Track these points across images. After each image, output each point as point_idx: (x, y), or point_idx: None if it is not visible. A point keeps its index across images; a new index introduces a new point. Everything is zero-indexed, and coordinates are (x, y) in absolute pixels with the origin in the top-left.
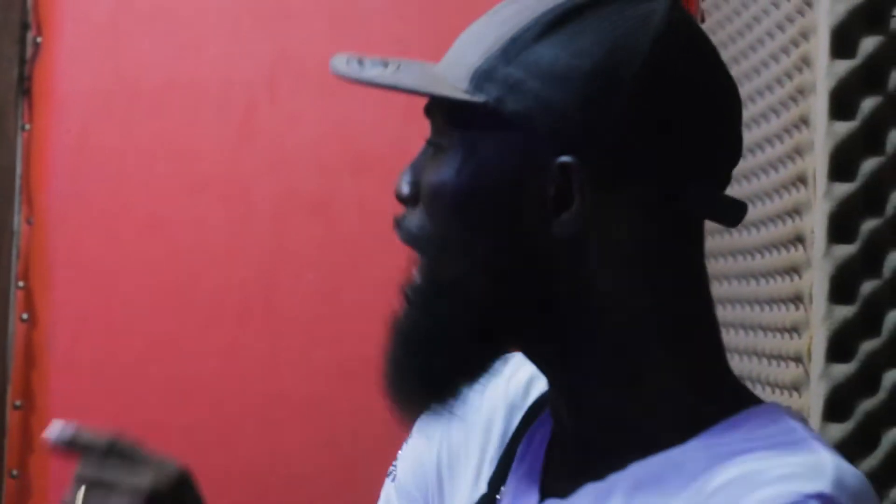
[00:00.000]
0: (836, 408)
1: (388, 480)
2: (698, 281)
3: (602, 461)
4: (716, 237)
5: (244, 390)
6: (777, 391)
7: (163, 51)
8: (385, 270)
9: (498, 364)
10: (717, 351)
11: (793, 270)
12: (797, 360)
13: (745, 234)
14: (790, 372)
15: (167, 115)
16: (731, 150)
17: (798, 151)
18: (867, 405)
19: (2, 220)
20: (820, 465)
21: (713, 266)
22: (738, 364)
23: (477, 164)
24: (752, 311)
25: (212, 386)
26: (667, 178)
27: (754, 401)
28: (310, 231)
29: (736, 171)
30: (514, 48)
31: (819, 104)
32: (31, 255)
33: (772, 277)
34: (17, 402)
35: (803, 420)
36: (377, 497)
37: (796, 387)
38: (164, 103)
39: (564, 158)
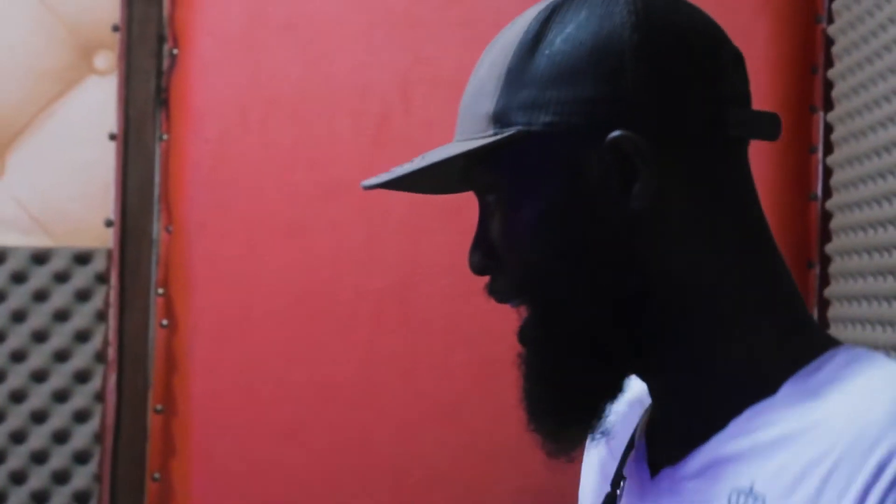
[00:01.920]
0: None
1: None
2: (760, 214)
3: (705, 425)
4: (847, 235)
5: (382, 393)
6: None
7: (297, 60)
8: None
9: (626, 376)
10: (791, 299)
11: None
12: None
13: (879, 232)
14: None
15: (302, 123)
16: (740, 67)
17: None
18: None
19: (142, 229)
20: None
21: (845, 263)
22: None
23: (534, 193)
24: (881, 307)
25: (350, 389)
26: (708, 113)
27: (831, 343)
28: (444, 235)
29: (865, 169)
30: (515, 77)
31: None
32: (170, 262)
33: None
34: (159, 407)
35: (879, 354)
36: (510, 494)
37: None
38: (299, 112)
39: (613, 135)
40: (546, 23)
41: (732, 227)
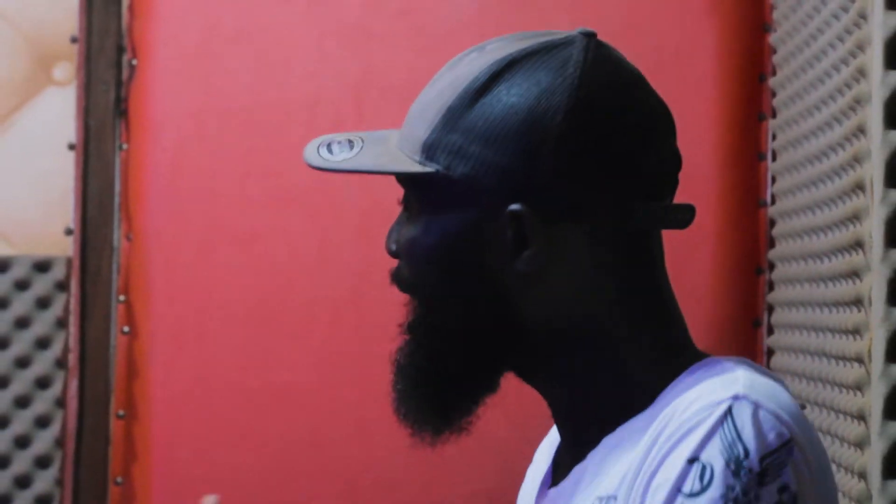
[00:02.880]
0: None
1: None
2: (655, 282)
3: (586, 446)
4: (788, 242)
5: (336, 397)
6: (841, 391)
7: (251, 70)
8: None
9: (496, 381)
10: (675, 335)
11: (853, 274)
12: (859, 360)
13: (814, 239)
14: (853, 372)
15: (257, 132)
16: (670, 164)
17: (856, 159)
18: None
19: (102, 237)
20: (734, 377)
21: (786, 269)
22: (804, 363)
23: (439, 223)
24: (819, 313)
25: (305, 393)
26: (609, 207)
27: (701, 359)
28: None
29: (803, 176)
30: (452, 118)
31: (874, 114)
32: (130, 270)
33: (835, 281)
34: (121, 412)
35: (744, 362)
36: (461, 499)
37: (859, 386)
38: (254, 121)
39: (513, 207)
40: (496, 77)
41: (615, 295)
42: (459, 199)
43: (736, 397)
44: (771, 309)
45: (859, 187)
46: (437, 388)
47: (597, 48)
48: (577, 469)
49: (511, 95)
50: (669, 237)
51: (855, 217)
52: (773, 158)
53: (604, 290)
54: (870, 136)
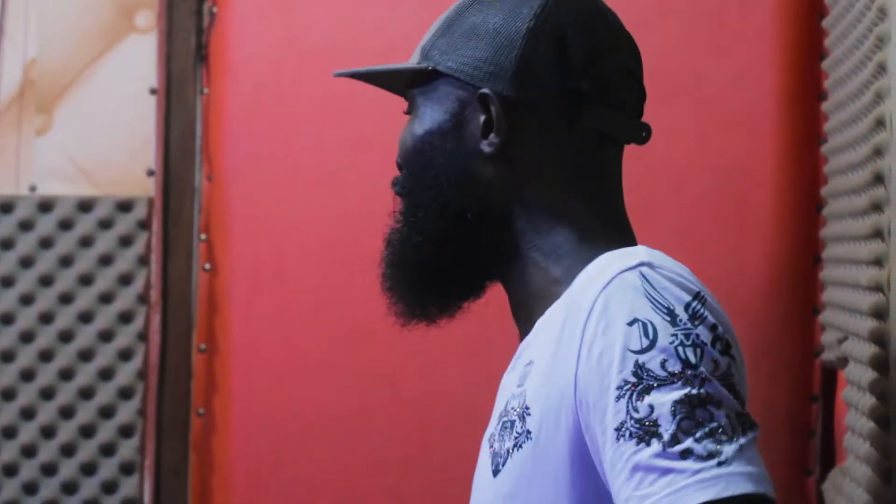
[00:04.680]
0: None
1: None
2: (603, 184)
3: (528, 326)
4: (837, 178)
5: (408, 333)
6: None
7: (327, 16)
8: None
9: (475, 282)
10: (615, 227)
11: (876, 208)
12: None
13: (849, 176)
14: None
15: (333, 77)
16: (629, 85)
17: (878, 96)
18: None
19: (185, 178)
20: (637, 252)
21: (835, 205)
22: (851, 296)
23: (430, 113)
24: (852, 246)
25: (380, 328)
26: (566, 102)
27: (624, 244)
28: None
29: (844, 115)
30: (446, 26)
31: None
32: (211, 209)
33: (860, 217)
34: (202, 346)
35: (660, 255)
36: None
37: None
38: (330, 66)
39: (483, 90)
40: None
41: (567, 182)
42: (446, 91)
43: (641, 264)
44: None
45: (880, 123)
46: (421, 267)
47: None
48: (519, 347)
49: (493, 5)
50: (731, 179)
51: (876, 152)
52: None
53: (556, 177)
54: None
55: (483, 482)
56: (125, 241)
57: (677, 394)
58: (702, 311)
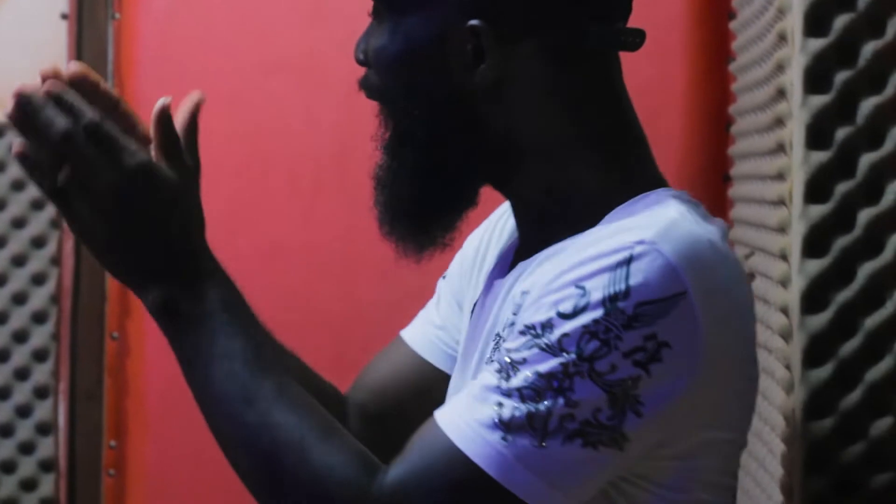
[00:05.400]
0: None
1: (440, 279)
2: (613, 103)
3: (535, 249)
4: (744, 96)
5: (322, 253)
6: (768, 232)
7: None
8: None
9: (471, 194)
10: (634, 158)
11: (779, 122)
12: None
13: (754, 93)
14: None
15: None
16: None
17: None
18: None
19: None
20: (656, 220)
21: (742, 123)
22: (755, 212)
23: (406, 32)
24: (756, 162)
25: (292, 249)
26: (562, 27)
27: (656, 185)
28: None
29: (751, 33)
30: None
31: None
32: None
33: (763, 133)
34: None
35: (688, 202)
36: None
37: (782, 227)
38: None
39: (472, 22)
40: None
41: (569, 108)
42: (424, 10)
43: (641, 242)
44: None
45: (783, 38)
46: (417, 200)
47: None
48: (520, 265)
49: None
50: (641, 101)
51: (779, 68)
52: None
53: (560, 106)
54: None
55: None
56: None
57: (548, 365)
58: (655, 316)
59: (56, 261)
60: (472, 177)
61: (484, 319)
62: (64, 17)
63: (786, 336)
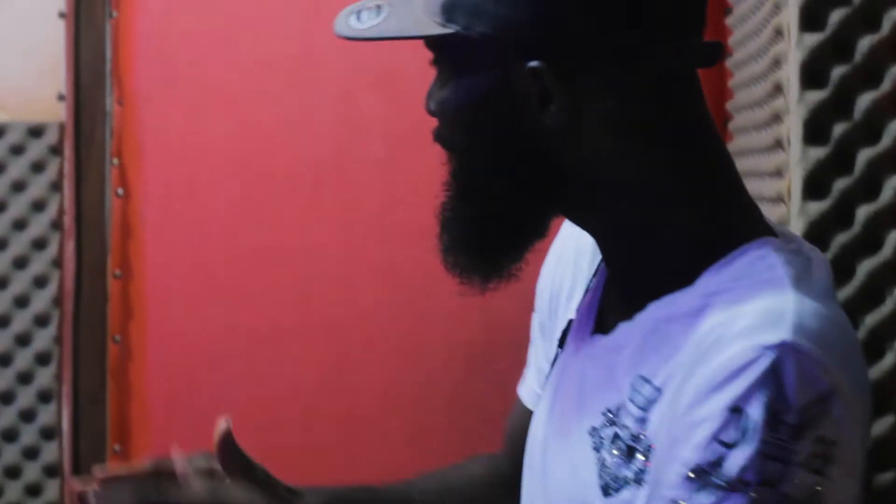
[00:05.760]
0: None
1: (533, 314)
2: (696, 128)
3: (631, 303)
4: (741, 92)
5: (321, 255)
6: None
7: None
8: None
9: (542, 227)
10: (723, 188)
11: (777, 119)
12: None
13: (751, 89)
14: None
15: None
16: (688, 2)
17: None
18: None
19: (95, 102)
20: (782, 310)
21: (739, 119)
22: None
23: (467, 83)
24: (753, 159)
25: (291, 250)
26: (630, 49)
27: (757, 233)
28: (378, 102)
29: (748, 28)
30: None
31: (791, 75)
32: (123, 134)
33: (762, 128)
34: (117, 272)
35: (792, 250)
36: (444, 348)
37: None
38: None
39: (532, 64)
40: None
41: (651, 138)
42: (482, 58)
43: (783, 345)
44: None
45: (779, 33)
46: (482, 240)
47: None
48: (623, 328)
49: None
50: None
51: (775, 63)
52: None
53: (637, 140)
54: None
55: (566, 477)
56: (37, 167)
57: (735, 502)
58: (818, 417)
59: (57, 263)
60: (544, 211)
61: (580, 377)
62: (62, 15)
63: None
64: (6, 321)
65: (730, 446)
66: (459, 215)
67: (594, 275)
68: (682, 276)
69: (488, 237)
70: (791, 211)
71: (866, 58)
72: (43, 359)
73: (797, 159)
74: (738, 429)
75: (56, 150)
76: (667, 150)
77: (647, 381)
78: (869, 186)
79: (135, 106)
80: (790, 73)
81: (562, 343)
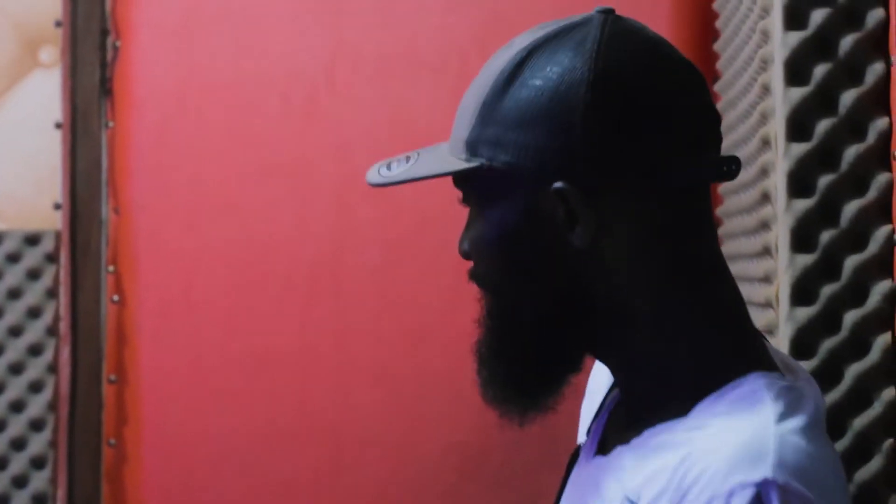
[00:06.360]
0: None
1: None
2: (710, 255)
3: (631, 428)
4: (730, 197)
5: (316, 359)
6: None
7: (229, 48)
8: (443, 242)
9: (578, 361)
10: (728, 319)
11: (764, 226)
12: (768, 304)
13: (740, 195)
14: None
15: (236, 107)
16: (703, 117)
17: (763, 116)
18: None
19: (91, 211)
20: (764, 447)
21: (728, 224)
22: None
23: (496, 215)
24: (742, 264)
25: (286, 356)
26: (649, 166)
27: (755, 365)
28: (372, 210)
29: (735, 136)
30: (487, 112)
31: (777, 74)
32: (118, 242)
33: (750, 235)
34: (112, 377)
35: (784, 386)
36: (438, 451)
37: (769, 329)
38: (233, 97)
39: (556, 186)
40: (520, 65)
41: (668, 262)
42: (509, 188)
43: (765, 483)
44: None
45: (766, 143)
46: (520, 372)
47: (614, 23)
48: (618, 451)
49: (536, 79)
50: None
51: (763, 172)
52: None
53: (656, 255)
54: (773, 94)
55: None
56: (33, 275)
57: None
58: None
59: (53, 369)
60: (577, 345)
61: (580, 495)
62: (58, 126)
63: None
64: (2, 426)
65: None
66: (496, 351)
67: (605, 399)
68: (680, 406)
69: (526, 373)
70: (780, 316)
71: (852, 166)
72: (38, 463)
73: (785, 266)
74: None
75: (52, 257)
76: (682, 277)
77: (632, 502)
78: (855, 292)
79: (130, 214)
80: (777, 182)
81: (571, 464)
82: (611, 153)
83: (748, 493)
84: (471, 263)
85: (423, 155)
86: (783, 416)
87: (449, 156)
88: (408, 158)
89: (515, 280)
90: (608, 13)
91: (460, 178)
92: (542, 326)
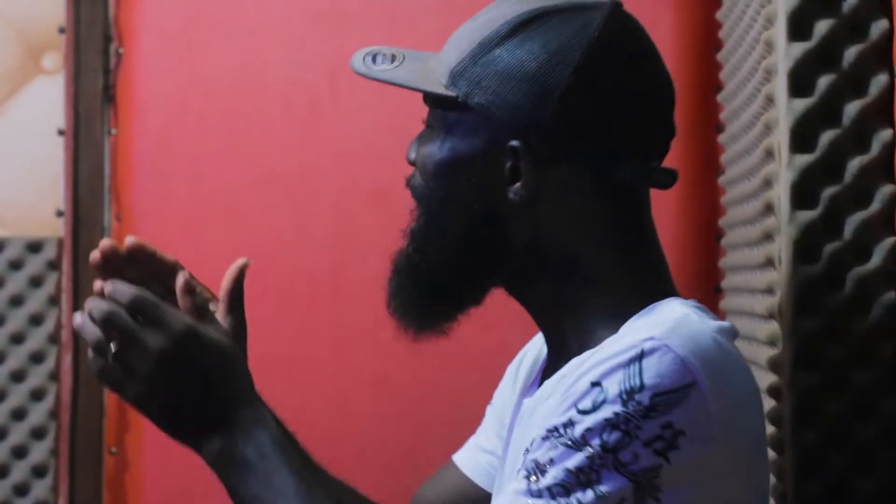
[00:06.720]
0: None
1: (488, 406)
2: (638, 232)
3: (557, 366)
4: (734, 209)
5: (316, 367)
6: (760, 345)
7: (232, 55)
8: None
9: (480, 295)
10: (651, 275)
11: (767, 237)
12: (771, 316)
13: (744, 206)
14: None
15: (238, 114)
16: (662, 132)
17: (767, 127)
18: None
19: (93, 217)
20: (663, 320)
21: (732, 235)
22: (745, 324)
23: (452, 143)
24: (745, 275)
25: (287, 364)
26: (598, 158)
27: (667, 296)
28: (372, 218)
29: (739, 147)
30: (480, 52)
31: (780, 85)
32: None
33: (753, 246)
34: None
35: (696, 307)
36: (439, 462)
37: (773, 341)
38: (235, 103)
39: (513, 143)
40: (525, 24)
41: (596, 234)
42: (472, 126)
43: (651, 339)
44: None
45: (769, 154)
46: (426, 289)
47: (619, 18)
48: (546, 383)
49: (534, 43)
50: None
51: (767, 183)
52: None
53: (587, 229)
54: (777, 105)
55: None
56: (35, 282)
57: (575, 460)
58: (670, 405)
59: (55, 376)
60: (486, 281)
61: (514, 439)
62: (61, 132)
63: (777, 449)
64: (3, 434)
65: (583, 412)
66: (412, 265)
67: (538, 364)
68: (608, 332)
69: (432, 293)
70: (783, 330)
71: (856, 177)
72: (39, 471)
73: (788, 277)
74: (593, 399)
75: (54, 265)
76: (609, 245)
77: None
78: (860, 303)
79: (133, 221)
80: (781, 193)
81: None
82: (572, 135)
83: (636, 348)
84: (411, 169)
85: (408, 60)
86: (691, 314)
87: (431, 73)
88: (393, 57)
89: (446, 204)
90: (617, 6)
91: (432, 99)
92: (459, 252)
